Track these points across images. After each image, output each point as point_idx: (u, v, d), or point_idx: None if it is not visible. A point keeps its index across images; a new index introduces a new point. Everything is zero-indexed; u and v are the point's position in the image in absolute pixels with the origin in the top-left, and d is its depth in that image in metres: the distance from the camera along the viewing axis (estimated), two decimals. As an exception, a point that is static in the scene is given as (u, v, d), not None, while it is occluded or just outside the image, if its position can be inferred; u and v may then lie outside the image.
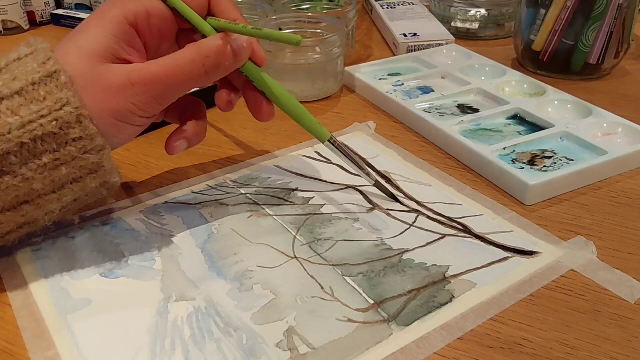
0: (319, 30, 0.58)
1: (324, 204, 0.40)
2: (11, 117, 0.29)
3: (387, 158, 0.46)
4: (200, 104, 0.39)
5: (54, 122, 0.30)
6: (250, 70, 0.37)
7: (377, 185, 0.40)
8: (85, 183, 0.32)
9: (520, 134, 0.47)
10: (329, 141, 0.38)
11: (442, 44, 0.64)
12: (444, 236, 0.37)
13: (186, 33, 0.37)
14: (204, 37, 0.35)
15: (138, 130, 0.35)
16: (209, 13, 0.36)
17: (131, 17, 0.33)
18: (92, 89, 0.31)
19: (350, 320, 0.30)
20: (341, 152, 0.39)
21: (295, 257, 0.35)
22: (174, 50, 0.34)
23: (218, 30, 0.35)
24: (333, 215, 0.39)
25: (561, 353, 0.29)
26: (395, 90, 0.55)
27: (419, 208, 0.39)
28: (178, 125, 0.38)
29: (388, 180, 0.42)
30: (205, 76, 0.34)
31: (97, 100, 0.31)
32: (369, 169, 0.40)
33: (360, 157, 0.45)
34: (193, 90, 0.52)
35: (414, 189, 0.41)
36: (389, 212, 0.39)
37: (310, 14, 0.61)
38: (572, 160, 0.43)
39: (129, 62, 0.33)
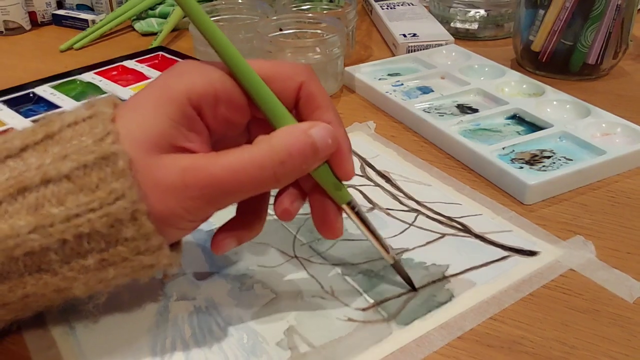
0: (319, 31, 0.58)
1: (324, 204, 0.40)
2: (56, 206, 0.24)
3: (386, 158, 0.46)
4: (263, 194, 0.31)
5: (104, 219, 0.25)
6: (322, 175, 0.29)
7: (396, 266, 0.32)
8: (137, 275, 0.28)
9: (519, 134, 0.47)
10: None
11: (441, 45, 0.64)
12: (443, 235, 0.37)
13: (261, 122, 0.29)
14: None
15: (182, 234, 0.29)
16: (295, 107, 0.29)
17: (195, 98, 0.27)
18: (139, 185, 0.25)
19: (350, 320, 0.31)
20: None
21: (296, 256, 0.35)
22: (243, 140, 0.28)
23: None
24: (333, 214, 0.39)
25: (560, 352, 0.29)
26: (394, 91, 0.55)
27: (419, 207, 0.40)
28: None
29: (387, 180, 0.43)
30: (275, 183, 0.27)
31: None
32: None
33: (361, 157, 0.45)
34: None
35: (413, 189, 0.42)
36: (389, 211, 0.39)
37: (310, 15, 0.61)
38: (571, 160, 0.43)
39: (187, 150, 0.27)
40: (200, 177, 0.26)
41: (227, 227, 0.30)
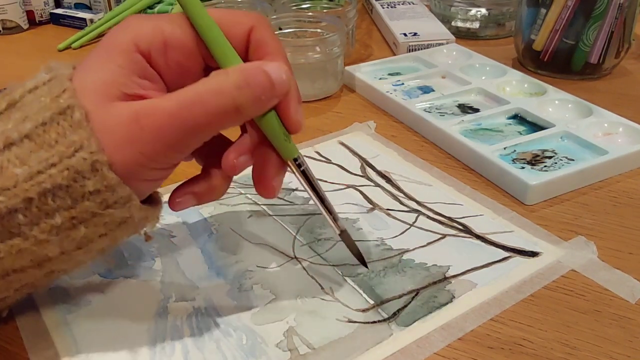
0: (318, 30, 0.58)
1: (324, 204, 0.40)
2: (19, 166, 0.24)
3: (387, 158, 0.45)
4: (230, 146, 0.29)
5: (65, 172, 0.24)
6: (271, 123, 0.28)
7: (344, 236, 0.31)
8: (114, 235, 0.27)
9: (521, 134, 0.47)
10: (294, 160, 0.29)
11: (442, 44, 0.64)
12: (444, 236, 0.37)
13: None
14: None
15: (152, 186, 0.28)
16: (246, 53, 0.29)
17: (143, 44, 0.27)
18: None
19: (350, 321, 0.30)
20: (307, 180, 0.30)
21: (295, 257, 0.35)
22: None
23: None
24: (333, 215, 0.39)
25: (562, 353, 0.29)
26: (395, 90, 0.54)
27: (419, 208, 0.39)
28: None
29: (388, 180, 0.42)
30: (236, 114, 0.26)
31: None
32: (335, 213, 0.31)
33: (361, 157, 0.45)
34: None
35: (414, 189, 0.41)
36: (389, 212, 0.39)
37: (310, 13, 0.61)
38: (573, 160, 0.43)
39: (142, 97, 0.26)
40: (155, 116, 0.25)
41: (187, 184, 0.30)
